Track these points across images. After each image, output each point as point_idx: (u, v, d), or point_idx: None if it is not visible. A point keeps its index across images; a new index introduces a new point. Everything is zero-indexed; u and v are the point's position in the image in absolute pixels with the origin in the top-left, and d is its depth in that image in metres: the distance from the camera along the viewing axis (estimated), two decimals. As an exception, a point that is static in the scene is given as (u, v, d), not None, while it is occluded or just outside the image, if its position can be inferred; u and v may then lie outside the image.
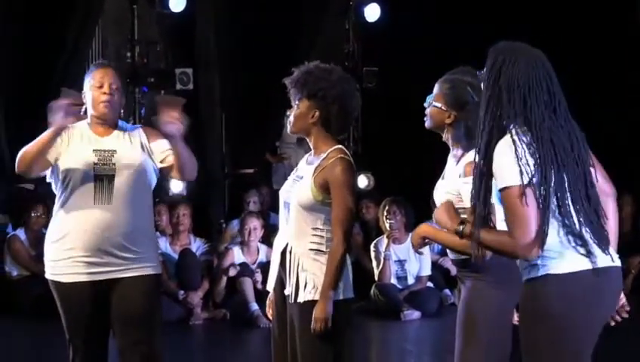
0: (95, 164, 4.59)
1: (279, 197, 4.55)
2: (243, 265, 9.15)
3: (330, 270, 4.32)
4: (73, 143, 4.67)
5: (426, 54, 11.51)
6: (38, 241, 9.82)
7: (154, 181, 4.72)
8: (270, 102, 11.69)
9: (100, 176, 4.57)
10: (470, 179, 3.99)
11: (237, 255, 9.23)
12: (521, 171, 3.35)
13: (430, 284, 9.61)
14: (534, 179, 3.36)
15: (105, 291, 4.61)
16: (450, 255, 4.28)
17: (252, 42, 11.85)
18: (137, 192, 4.61)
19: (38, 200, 9.78)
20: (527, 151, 3.38)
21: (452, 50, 10.92)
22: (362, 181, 11.89)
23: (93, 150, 4.62)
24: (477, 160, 3.50)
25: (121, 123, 4.77)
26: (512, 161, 3.37)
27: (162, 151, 4.69)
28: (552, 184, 3.38)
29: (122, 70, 11.48)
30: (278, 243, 4.52)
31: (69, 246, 4.59)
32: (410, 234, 9.30)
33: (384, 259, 9.36)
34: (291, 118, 4.48)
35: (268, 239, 9.28)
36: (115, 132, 4.70)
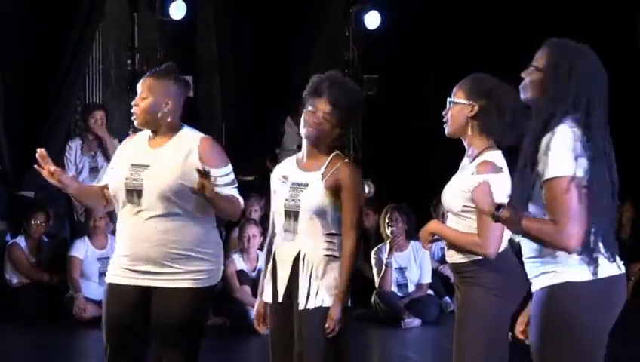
0: (127, 178, 4.61)
1: (277, 208, 4.55)
2: (242, 272, 9.15)
3: (345, 273, 4.39)
4: (122, 157, 4.73)
5: (426, 62, 11.53)
6: (38, 249, 9.82)
7: (201, 197, 4.53)
8: (270, 109, 11.71)
9: (130, 190, 4.60)
10: (482, 177, 4.01)
11: (237, 262, 9.22)
12: (574, 163, 3.38)
13: (430, 292, 9.60)
14: (583, 173, 3.39)
15: (147, 298, 4.61)
16: (449, 259, 4.28)
17: (252, 50, 11.86)
18: (168, 207, 4.55)
19: (38, 208, 9.77)
20: (580, 145, 3.41)
21: (452, 57, 10.95)
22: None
23: (131, 165, 4.64)
24: (527, 144, 3.49)
25: (184, 130, 4.71)
26: (566, 153, 3.40)
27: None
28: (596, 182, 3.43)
29: (122, 77, 11.60)
30: (285, 253, 4.51)
31: (119, 253, 4.69)
32: (411, 241, 9.40)
33: (385, 266, 9.35)
34: (323, 129, 4.50)
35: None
36: (170, 142, 4.65)
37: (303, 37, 12.17)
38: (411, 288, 9.51)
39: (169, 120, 4.65)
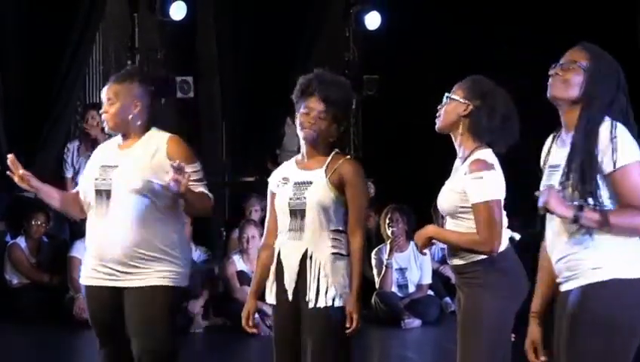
0: (96, 179, 4.65)
1: (280, 208, 4.55)
2: (242, 273, 9.14)
3: (357, 269, 4.43)
4: (93, 161, 4.78)
5: (427, 62, 11.52)
6: (38, 249, 9.83)
7: (169, 198, 4.58)
8: (271, 110, 11.70)
9: (100, 191, 4.63)
10: (475, 175, 4.01)
11: (237, 263, 9.22)
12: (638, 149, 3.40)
13: (431, 292, 9.60)
14: None
15: (121, 298, 4.63)
16: (450, 261, 4.27)
17: (252, 50, 11.86)
18: (138, 208, 4.57)
19: (38, 209, 9.77)
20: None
21: (452, 58, 10.95)
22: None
23: (101, 166, 4.68)
24: (582, 142, 3.46)
25: (152, 131, 4.72)
26: (632, 140, 3.41)
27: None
28: None
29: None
30: (292, 252, 4.49)
31: (89, 254, 4.72)
32: (412, 242, 9.39)
33: (386, 267, 9.35)
34: (317, 129, 4.51)
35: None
36: (138, 142, 4.67)
37: (303, 37, 12.17)
38: (411, 289, 9.51)
39: (139, 122, 4.68)
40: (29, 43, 10.20)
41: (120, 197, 4.57)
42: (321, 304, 4.39)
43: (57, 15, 10.28)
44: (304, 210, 4.45)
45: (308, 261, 4.43)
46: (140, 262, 4.57)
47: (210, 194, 4.68)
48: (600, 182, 3.43)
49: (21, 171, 4.64)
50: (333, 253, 4.43)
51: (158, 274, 4.59)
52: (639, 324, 3.45)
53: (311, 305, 4.41)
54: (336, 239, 4.44)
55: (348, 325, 4.37)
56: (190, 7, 11.51)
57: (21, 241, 9.78)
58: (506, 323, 4.15)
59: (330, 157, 4.51)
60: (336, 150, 4.57)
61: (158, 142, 4.64)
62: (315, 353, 4.39)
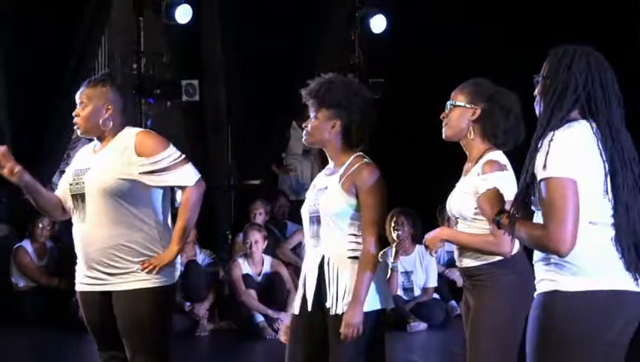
0: (70, 184, 4.68)
1: (303, 215, 4.52)
2: (247, 276, 9.15)
3: (361, 275, 4.28)
4: (70, 165, 4.82)
5: (432, 66, 11.50)
6: (44, 253, 9.85)
7: (146, 194, 4.61)
8: (276, 113, 11.71)
9: (75, 195, 4.65)
10: (488, 176, 4.00)
11: (242, 266, 9.22)
12: (566, 164, 3.26)
13: (436, 296, 9.60)
14: (582, 174, 3.28)
15: (109, 302, 4.64)
16: (461, 264, 4.24)
17: (258, 54, 11.86)
18: (114, 208, 4.56)
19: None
20: (582, 145, 3.31)
21: (458, 61, 10.93)
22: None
23: (74, 170, 4.71)
24: (531, 148, 3.39)
25: (125, 130, 4.72)
26: (559, 154, 3.27)
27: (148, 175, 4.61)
28: (609, 185, 3.32)
29: (128, 81, 11.61)
30: (312, 260, 4.43)
31: (78, 260, 4.72)
32: (417, 245, 9.36)
33: (391, 270, 9.29)
34: (309, 129, 4.47)
35: (273, 250, 9.31)
36: (110, 144, 4.69)
37: (308, 40, 12.16)
38: (417, 292, 9.51)
39: (111, 125, 4.68)
40: (34, 47, 10.22)
41: (94, 199, 4.58)
42: (339, 311, 4.30)
43: (63, 19, 10.30)
44: (319, 216, 4.40)
45: (325, 267, 4.36)
46: (123, 262, 4.57)
47: (193, 175, 4.66)
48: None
49: (16, 168, 4.65)
50: (350, 257, 4.34)
51: (142, 276, 4.58)
52: (589, 336, 3.31)
53: (331, 311, 4.32)
54: (354, 242, 4.36)
55: (340, 330, 4.25)
56: (195, 11, 11.51)
57: (27, 245, 9.79)
58: (517, 325, 4.13)
59: (349, 161, 4.45)
60: (358, 153, 4.49)
61: (127, 139, 4.65)
62: (334, 359, 4.31)
